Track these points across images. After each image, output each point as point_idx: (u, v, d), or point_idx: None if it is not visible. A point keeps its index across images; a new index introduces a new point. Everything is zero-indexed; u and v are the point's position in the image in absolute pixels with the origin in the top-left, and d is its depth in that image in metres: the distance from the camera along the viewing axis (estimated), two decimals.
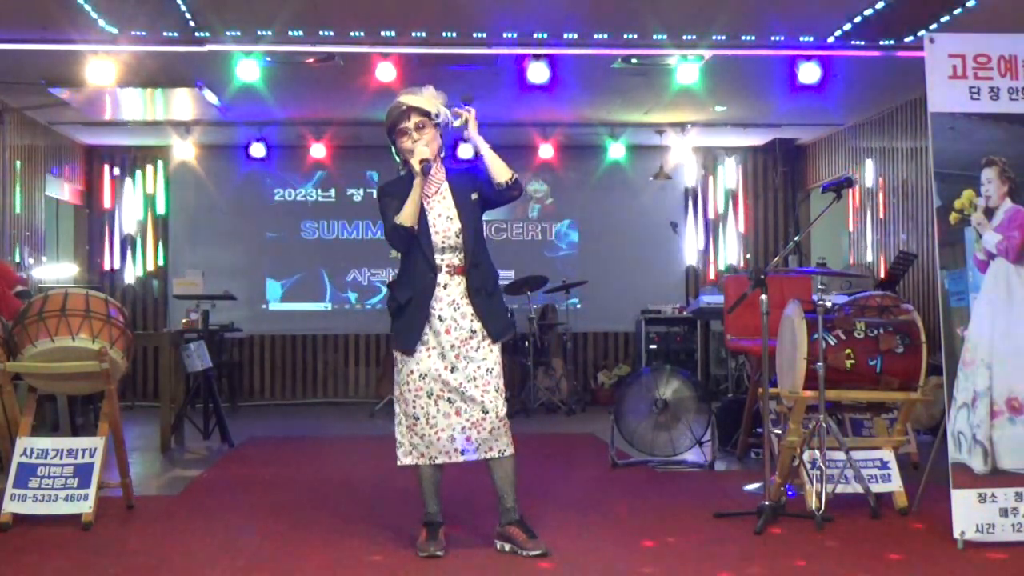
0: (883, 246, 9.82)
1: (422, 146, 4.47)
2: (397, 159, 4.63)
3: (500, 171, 4.48)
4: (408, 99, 4.52)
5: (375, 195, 4.73)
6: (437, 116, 4.51)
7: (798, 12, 6.89)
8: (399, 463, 4.55)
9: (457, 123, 4.56)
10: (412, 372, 4.47)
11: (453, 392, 4.44)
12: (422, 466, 4.53)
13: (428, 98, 4.53)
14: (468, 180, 4.59)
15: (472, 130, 4.52)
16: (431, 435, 4.46)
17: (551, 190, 11.81)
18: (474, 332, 4.48)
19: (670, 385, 6.71)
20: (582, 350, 11.71)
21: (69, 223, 11.20)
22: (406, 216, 4.43)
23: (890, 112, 9.60)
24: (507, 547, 4.50)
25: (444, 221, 4.51)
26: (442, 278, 4.48)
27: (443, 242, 4.50)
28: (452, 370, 4.45)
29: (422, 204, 4.48)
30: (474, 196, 4.55)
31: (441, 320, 4.46)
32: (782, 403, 5.41)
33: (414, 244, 4.48)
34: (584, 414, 10.23)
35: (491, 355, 4.50)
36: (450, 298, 4.48)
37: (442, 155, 4.62)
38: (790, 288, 6.59)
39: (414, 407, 4.47)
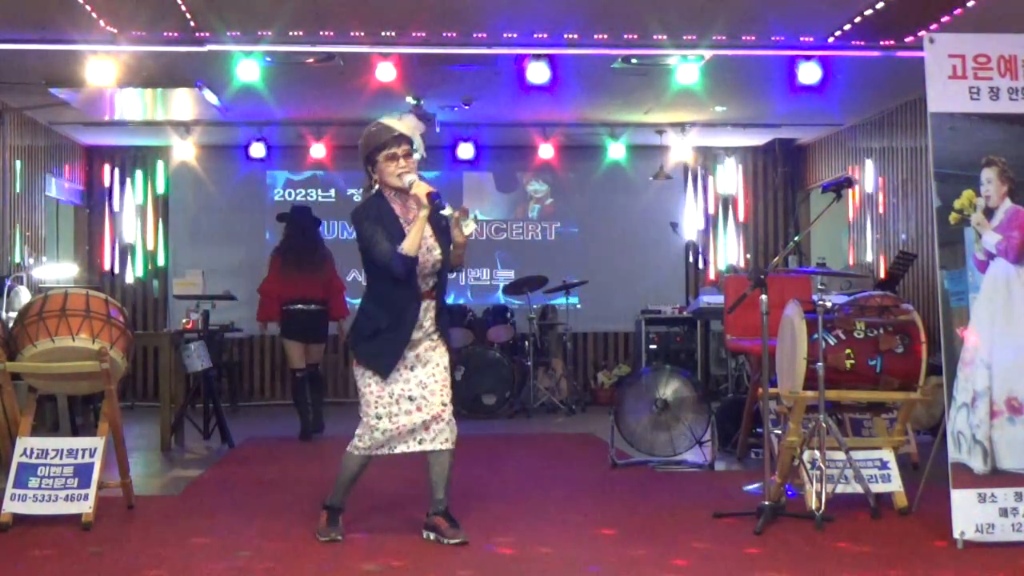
0: (883, 246, 9.82)
1: (417, 177, 4.55)
2: (371, 179, 4.66)
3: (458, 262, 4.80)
4: (398, 126, 4.62)
5: (351, 220, 4.73)
6: (418, 150, 4.64)
7: (798, 12, 6.88)
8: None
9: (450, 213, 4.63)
10: (384, 392, 4.65)
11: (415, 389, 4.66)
12: None
13: (415, 130, 4.66)
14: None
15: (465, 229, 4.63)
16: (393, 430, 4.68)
17: (551, 190, 11.79)
18: (433, 341, 4.70)
19: (670, 385, 6.71)
20: (582, 350, 11.70)
21: (69, 223, 11.19)
22: (411, 246, 4.51)
23: (890, 112, 9.59)
24: (432, 536, 4.67)
25: (424, 252, 4.60)
26: (424, 303, 4.65)
27: (422, 271, 4.62)
28: (412, 369, 4.67)
29: (402, 232, 4.58)
30: (443, 224, 4.66)
31: (418, 342, 4.66)
32: (782, 403, 5.41)
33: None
34: (584, 414, 10.22)
35: (445, 358, 4.73)
36: (429, 320, 4.68)
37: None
38: (790, 288, 6.59)
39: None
